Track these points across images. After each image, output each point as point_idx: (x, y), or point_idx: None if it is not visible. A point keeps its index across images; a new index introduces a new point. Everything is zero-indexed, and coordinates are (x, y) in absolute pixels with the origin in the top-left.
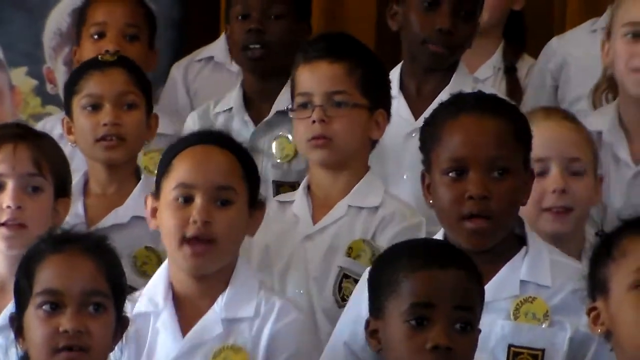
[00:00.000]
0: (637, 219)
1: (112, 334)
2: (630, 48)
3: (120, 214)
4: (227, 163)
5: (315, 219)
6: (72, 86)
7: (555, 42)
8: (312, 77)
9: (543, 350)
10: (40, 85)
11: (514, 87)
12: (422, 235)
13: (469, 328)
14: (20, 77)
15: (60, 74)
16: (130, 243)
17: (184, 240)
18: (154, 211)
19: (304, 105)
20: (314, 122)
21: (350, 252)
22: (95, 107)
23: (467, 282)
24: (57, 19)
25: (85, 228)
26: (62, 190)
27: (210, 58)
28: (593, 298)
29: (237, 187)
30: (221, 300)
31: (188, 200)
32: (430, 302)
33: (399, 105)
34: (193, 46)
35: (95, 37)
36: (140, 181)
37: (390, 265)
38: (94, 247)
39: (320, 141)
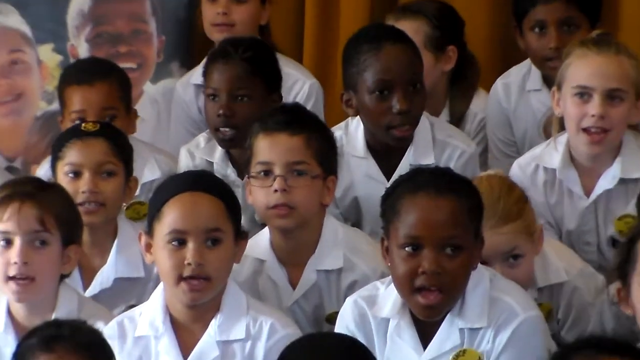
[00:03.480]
0: (589, 340)
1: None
2: (579, 109)
3: (104, 277)
4: (214, 207)
5: (291, 279)
6: (56, 152)
7: (501, 91)
8: (273, 148)
9: None
10: (64, 60)
11: None
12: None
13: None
14: (47, 53)
15: (83, 50)
16: (117, 301)
17: (180, 279)
18: (148, 247)
19: (265, 173)
20: (275, 190)
21: (331, 319)
22: (76, 174)
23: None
24: (80, 1)
25: (82, 289)
26: (71, 238)
27: None
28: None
29: (224, 226)
30: (214, 324)
31: (182, 243)
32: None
33: (368, 166)
34: (198, 45)
35: (75, 120)
36: (116, 242)
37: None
38: None
39: (282, 210)
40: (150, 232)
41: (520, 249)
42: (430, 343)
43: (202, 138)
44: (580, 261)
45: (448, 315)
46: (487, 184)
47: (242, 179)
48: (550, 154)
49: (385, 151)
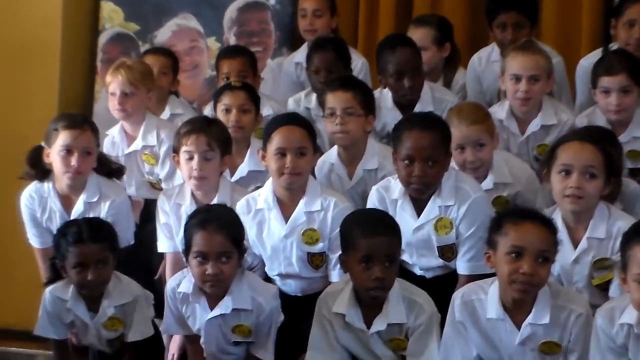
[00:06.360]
0: (515, 209)
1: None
2: (514, 87)
3: (241, 170)
4: (302, 134)
5: (349, 174)
6: (216, 97)
7: (476, 62)
8: (335, 99)
9: (454, 244)
10: (221, 46)
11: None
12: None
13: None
14: (211, 42)
15: (232, 40)
16: (250, 183)
17: (282, 174)
18: (263, 157)
19: (330, 114)
20: (337, 124)
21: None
22: (228, 111)
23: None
24: (230, 12)
25: (230, 177)
26: (225, 151)
27: None
28: (489, 246)
29: (307, 145)
30: (302, 202)
31: (283, 155)
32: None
33: (394, 115)
34: (297, 38)
35: (225, 79)
36: (249, 150)
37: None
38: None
39: (341, 134)
40: (264, 148)
41: (484, 140)
42: (422, 214)
43: (302, 93)
44: (528, 169)
45: (432, 197)
46: (467, 105)
47: None
48: (500, 111)
49: (404, 106)
